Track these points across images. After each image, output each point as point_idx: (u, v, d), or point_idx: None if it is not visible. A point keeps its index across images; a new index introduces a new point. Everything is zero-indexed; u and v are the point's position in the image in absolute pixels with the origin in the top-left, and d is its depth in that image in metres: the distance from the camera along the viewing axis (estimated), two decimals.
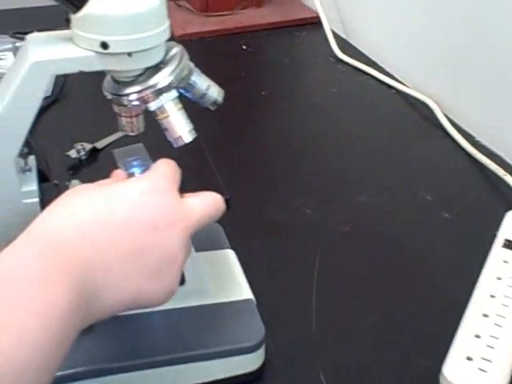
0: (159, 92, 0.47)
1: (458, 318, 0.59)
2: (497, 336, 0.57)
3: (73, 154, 0.54)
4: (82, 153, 0.54)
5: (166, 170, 0.46)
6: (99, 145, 0.55)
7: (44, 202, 0.51)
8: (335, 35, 1.19)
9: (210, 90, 0.52)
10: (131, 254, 0.43)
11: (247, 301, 0.58)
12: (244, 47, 1.17)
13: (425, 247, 0.71)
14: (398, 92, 1.02)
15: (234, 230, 0.67)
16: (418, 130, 0.94)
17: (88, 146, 0.54)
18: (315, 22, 1.24)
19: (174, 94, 0.48)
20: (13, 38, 1.09)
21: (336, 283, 0.66)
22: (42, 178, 0.52)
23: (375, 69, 1.07)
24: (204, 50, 1.16)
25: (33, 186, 0.49)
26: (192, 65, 0.50)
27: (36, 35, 0.47)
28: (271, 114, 0.98)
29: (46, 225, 0.41)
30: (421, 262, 0.69)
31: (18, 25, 1.17)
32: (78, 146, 0.54)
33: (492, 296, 0.61)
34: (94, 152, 0.55)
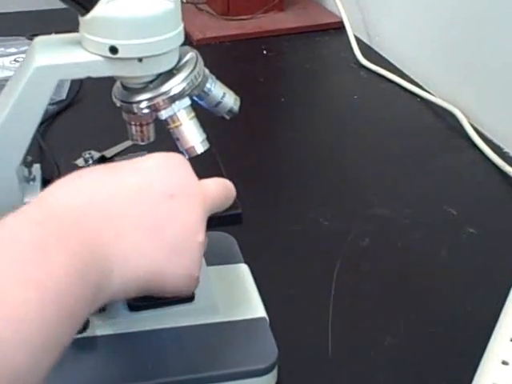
0: (171, 100, 0.45)
1: (484, 343, 0.56)
2: None
3: (80, 162, 0.52)
4: (90, 162, 0.51)
5: (180, 158, 0.43)
6: (108, 153, 0.53)
7: None
8: (358, 41, 1.16)
9: (226, 98, 0.49)
10: (145, 226, 0.39)
11: (260, 319, 0.56)
12: (265, 52, 1.14)
13: (448, 264, 0.68)
14: (423, 100, 0.99)
15: (248, 242, 0.64)
16: (444, 140, 0.90)
17: (96, 155, 0.52)
18: (338, 27, 1.21)
19: (186, 101, 0.46)
20: (29, 40, 1.08)
21: (353, 300, 0.63)
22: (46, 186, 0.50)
23: (399, 76, 1.04)
24: (224, 55, 1.14)
25: (36, 196, 0.47)
26: (207, 71, 0.48)
27: (42, 38, 0.45)
28: (290, 121, 0.96)
29: (50, 195, 0.38)
30: (443, 281, 0.66)
31: (35, 27, 1.15)
32: (86, 154, 0.52)
33: None
34: (102, 161, 0.53)
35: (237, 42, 1.18)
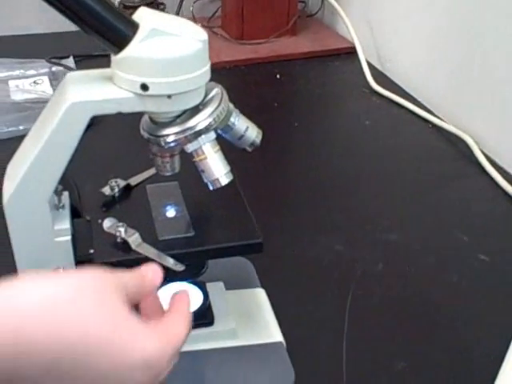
0: (197, 134, 0.46)
1: (496, 371, 0.57)
2: None
3: (106, 190, 0.53)
4: (116, 190, 0.53)
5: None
6: (133, 181, 0.55)
7: (75, 239, 0.50)
8: (370, 66, 1.17)
9: (249, 132, 0.51)
10: None
11: (277, 344, 0.57)
12: (278, 76, 1.16)
13: (460, 291, 0.69)
14: (435, 126, 1.00)
15: (264, 267, 0.66)
16: (455, 166, 0.92)
17: (122, 183, 0.54)
18: (350, 52, 1.23)
19: (212, 135, 0.47)
20: (49, 62, 1.10)
21: (367, 326, 0.64)
22: (74, 212, 0.52)
23: (411, 102, 1.06)
24: (238, 79, 1.16)
25: (65, 223, 0.49)
26: (231, 105, 0.50)
27: (74, 74, 0.47)
28: (303, 146, 0.97)
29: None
30: (455, 308, 0.67)
31: (54, 49, 1.18)
32: (113, 182, 0.53)
33: None
34: (127, 188, 0.55)
35: (250, 66, 1.20)
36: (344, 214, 0.81)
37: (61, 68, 1.08)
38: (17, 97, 0.99)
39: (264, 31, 1.26)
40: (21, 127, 0.90)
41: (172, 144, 0.47)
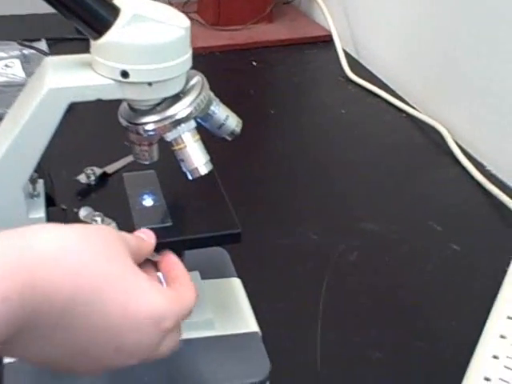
0: (177, 123, 0.46)
1: (468, 358, 0.58)
2: (507, 380, 0.56)
3: (82, 178, 0.52)
4: (92, 178, 0.52)
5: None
6: (109, 169, 0.54)
7: None
8: (346, 54, 1.18)
9: (229, 121, 0.50)
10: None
11: (253, 334, 0.57)
12: (254, 63, 1.16)
13: (433, 280, 0.70)
14: (409, 116, 1.01)
15: (240, 255, 0.65)
16: (428, 156, 0.93)
17: (98, 171, 0.53)
18: (327, 40, 1.23)
19: (192, 124, 0.47)
20: (20, 45, 1.08)
21: (342, 315, 0.65)
22: (49, 201, 0.51)
23: (386, 91, 1.06)
24: (214, 65, 1.15)
25: (40, 212, 0.48)
26: (212, 94, 0.49)
27: (53, 59, 0.46)
28: (279, 133, 0.97)
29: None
30: (429, 296, 0.68)
31: (26, 31, 1.16)
32: (88, 170, 0.52)
33: (502, 337, 0.60)
34: (104, 177, 0.54)
35: (227, 53, 1.19)
36: (319, 203, 0.81)
37: (33, 51, 1.06)
38: None
39: (241, 17, 1.25)
40: None
41: (151, 132, 0.46)
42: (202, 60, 1.13)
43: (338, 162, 0.91)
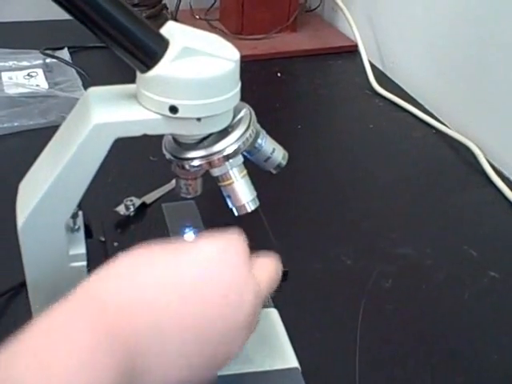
0: (225, 158, 0.44)
1: None
2: None
3: (121, 210, 0.51)
4: (132, 209, 0.50)
5: (238, 247, 0.42)
6: (147, 199, 0.52)
7: (89, 261, 0.47)
8: (372, 66, 1.15)
9: (275, 153, 0.49)
10: (193, 328, 0.38)
11: (293, 370, 0.55)
12: (279, 74, 1.13)
13: (471, 309, 0.68)
14: (438, 132, 0.99)
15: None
16: (460, 175, 0.91)
17: (137, 202, 0.51)
18: (352, 51, 1.20)
19: (239, 159, 0.45)
20: (43, 54, 1.06)
21: (379, 346, 0.63)
22: (87, 232, 0.49)
23: (414, 106, 1.04)
24: None
25: (81, 248, 0.46)
26: (258, 126, 0.47)
27: (96, 90, 0.44)
28: (307, 151, 0.95)
29: (104, 290, 0.37)
30: (467, 326, 0.66)
31: (47, 39, 1.14)
32: (128, 201, 0.51)
33: None
34: (142, 207, 0.52)
35: (250, 63, 1.17)
36: (350, 224, 0.79)
37: (55, 60, 1.04)
38: (11, 90, 0.95)
39: (263, 26, 1.23)
40: (15, 123, 0.86)
41: (197, 168, 0.44)
42: None
43: (368, 181, 0.88)
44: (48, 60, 1.05)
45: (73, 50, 1.11)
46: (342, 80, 1.15)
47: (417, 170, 0.92)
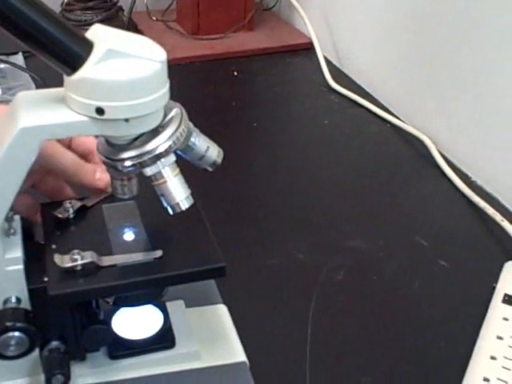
0: (156, 157, 0.44)
1: (457, 379, 0.57)
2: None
3: (60, 212, 0.51)
4: (71, 211, 0.51)
5: None
6: (88, 202, 0.52)
7: (28, 265, 0.48)
8: (328, 63, 1.16)
9: (209, 151, 0.49)
10: None
11: (240, 364, 0.56)
12: (235, 73, 1.14)
13: (421, 299, 0.69)
14: (393, 126, 1.00)
15: (224, 279, 0.64)
16: (413, 168, 0.92)
17: (77, 204, 0.51)
18: (308, 48, 1.21)
19: (171, 158, 0.45)
20: None
21: (329, 338, 0.64)
22: (26, 234, 0.49)
23: (369, 101, 1.05)
24: (194, 76, 1.13)
25: (17, 252, 0.46)
26: (191, 125, 0.48)
27: (25, 95, 0.44)
28: (262, 148, 0.96)
29: None
30: (417, 315, 0.67)
31: (2, 43, 1.12)
32: (67, 203, 0.51)
33: (493, 358, 0.59)
34: (82, 209, 0.52)
35: (207, 63, 1.17)
36: (303, 220, 0.80)
37: (9, 66, 1.04)
38: None
39: (220, 26, 1.23)
40: None
41: (130, 168, 0.45)
42: (182, 70, 1.14)
43: (322, 176, 0.89)
44: (1, 65, 1.04)
45: (27, 55, 1.10)
46: (299, 77, 1.16)
47: (371, 164, 0.93)
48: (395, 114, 1.03)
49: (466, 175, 0.89)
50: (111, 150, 0.45)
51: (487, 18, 0.84)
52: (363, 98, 1.06)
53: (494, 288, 0.68)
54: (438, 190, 0.87)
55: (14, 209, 0.46)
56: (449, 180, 0.88)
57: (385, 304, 0.68)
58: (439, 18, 0.93)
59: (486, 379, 0.57)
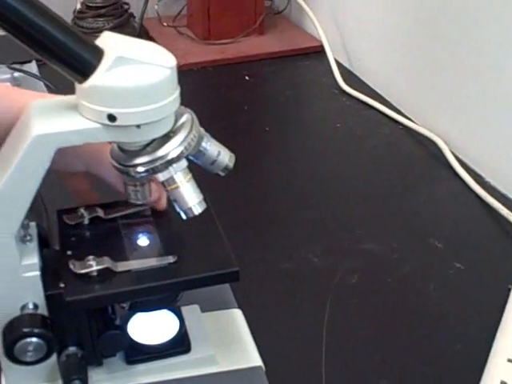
0: (168, 163, 0.45)
1: (474, 381, 0.57)
2: None
3: (76, 219, 0.51)
4: (86, 217, 0.51)
5: None
6: (106, 214, 0.53)
7: (45, 271, 0.48)
8: (339, 65, 1.16)
9: (221, 156, 0.49)
10: None
11: (256, 368, 0.56)
12: (247, 77, 1.14)
13: (436, 301, 0.69)
14: (405, 128, 1.00)
15: (239, 284, 0.64)
16: (426, 169, 0.92)
17: (93, 213, 0.52)
18: (319, 51, 1.21)
19: (183, 164, 0.46)
20: (10, 68, 1.06)
21: (344, 341, 0.64)
22: (43, 242, 0.50)
23: (381, 102, 1.05)
24: (205, 80, 1.14)
25: (33, 258, 0.47)
26: (202, 130, 0.48)
27: (39, 103, 0.44)
28: (274, 152, 0.96)
29: None
30: (432, 317, 0.67)
31: (14, 52, 1.13)
32: (82, 210, 0.51)
33: (510, 361, 0.59)
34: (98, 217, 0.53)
35: (218, 67, 1.18)
36: (317, 223, 0.80)
37: (23, 74, 1.05)
38: None
39: (231, 30, 1.24)
40: None
41: (142, 174, 0.45)
42: (194, 75, 1.14)
43: (336, 179, 0.89)
44: (16, 74, 1.05)
45: (41, 63, 1.11)
46: (310, 81, 1.16)
47: (383, 166, 0.93)
48: (407, 115, 1.02)
49: (480, 176, 0.88)
50: (124, 156, 0.46)
51: (498, 17, 0.84)
52: (375, 99, 1.06)
53: (509, 289, 0.68)
54: (451, 191, 0.87)
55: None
56: (462, 181, 0.87)
57: (399, 306, 0.68)
58: (449, 17, 0.93)
59: (503, 383, 0.57)
